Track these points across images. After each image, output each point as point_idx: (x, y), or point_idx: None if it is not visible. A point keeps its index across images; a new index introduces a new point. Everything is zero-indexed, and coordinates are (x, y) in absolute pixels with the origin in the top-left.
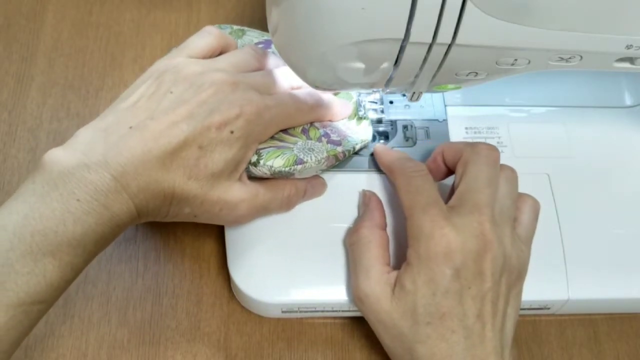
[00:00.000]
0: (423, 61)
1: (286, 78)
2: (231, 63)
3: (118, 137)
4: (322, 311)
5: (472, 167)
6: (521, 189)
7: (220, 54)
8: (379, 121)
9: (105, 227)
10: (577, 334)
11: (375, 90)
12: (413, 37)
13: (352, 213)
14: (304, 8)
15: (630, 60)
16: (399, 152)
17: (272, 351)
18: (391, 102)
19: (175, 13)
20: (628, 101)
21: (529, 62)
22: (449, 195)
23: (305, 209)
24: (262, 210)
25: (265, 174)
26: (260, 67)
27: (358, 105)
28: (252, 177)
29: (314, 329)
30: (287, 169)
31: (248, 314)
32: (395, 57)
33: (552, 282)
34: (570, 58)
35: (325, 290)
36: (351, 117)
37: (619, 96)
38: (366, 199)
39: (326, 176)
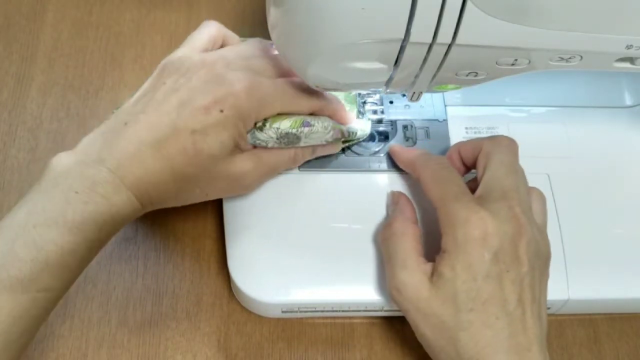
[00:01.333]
0: (423, 61)
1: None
2: (233, 50)
3: (113, 134)
4: (322, 311)
5: (495, 157)
6: None
7: (223, 44)
8: (379, 121)
9: (105, 216)
10: (577, 334)
11: (375, 90)
12: (413, 37)
13: (352, 213)
14: (304, 8)
15: (630, 60)
16: (417, 149)
17: (272, 351)
18: (391, 102)
19: (175, 13)
20: (628, 101)
21: (529, 62)
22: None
23: (305, 209)
24: (270, 173)
25: (272, 137)
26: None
27: (358, 105)
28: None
29: (314, 329)
30: (294, 130)
31: (248, 314)
32: (395, 57)
33: (552, 282)
34: (570, 58)
35: (325, 290)
36: (352, 108)
37: (619, 96)
38: (395, 198)
39: (326, 176)
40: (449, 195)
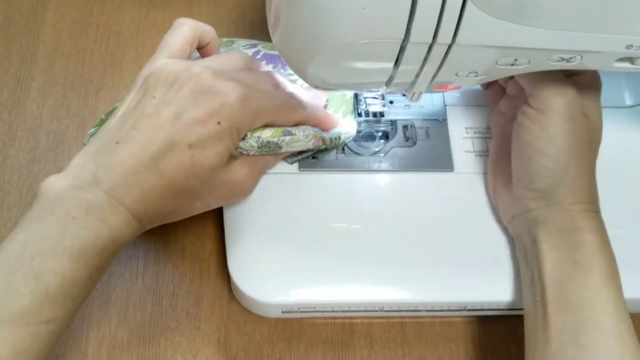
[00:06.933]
0: (423, 61)
1: (273, 79)
2: (216, 61)
3: (106, 154)
4: (322, 311)
5: None
6: None
7: (200, 42)
8: (379, 121)
9: (105, 239)
10: None
11: (375, 90)
12: (413, 37)
13: (351, 213)
14: (304, 8)
15: (630, 60)
16: None
17: (272, 351)
18: (391, 102)
19: (175, 13)
20: (628, 101)
21: (529, 62)
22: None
23: (305, 209)
24: (262, 173)
25: (253, 146)
26: (246, 69)
27: (354, 103)
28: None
29: (314, 329)
30: (275, 139)
31: (248, 314)
32: (395, 57)
33: None
34: (570, 58)
35: (325, 290)
36: (337, 110)
37: (619, 96)
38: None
39: (326, 176)
40: None
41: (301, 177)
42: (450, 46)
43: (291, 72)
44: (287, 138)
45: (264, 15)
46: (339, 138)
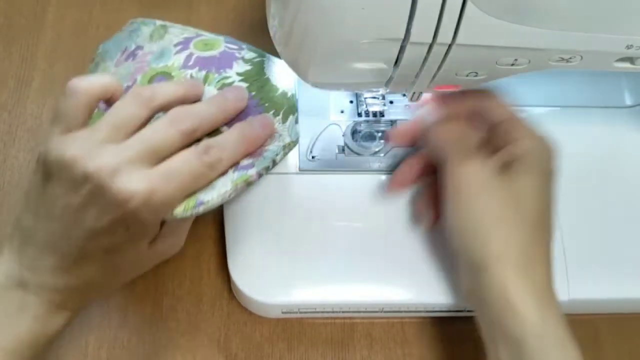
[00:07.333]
0: (423, 61)
1: (178, 123)
2: (113, 128)
3: (29, 257)
4: (322, 311)
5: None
6: None
7: (102, 99)
8: (379, 121)
9: (38, 335)
10: (577, 334)
11: (375, 90)
12: (413, 37)
13: (352, 213)
14: (304, 8)
15: (630, 60)
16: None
17: (272, 351)
18: (391, 102)
19: (175, 13)
20: (628, 101)
21: (529, 62)
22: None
23: (305, 209)
24: (189, 227)
25: (169, 220)
26: (150, 113)
27: (296, 100)
28: None
29: (314, 329)
30: (188, 213)
31: (248, 314)
32: (395, 57)
33: None
34: (570, 58)
35: (325, 290)
36: (277, 112)
37: (619, 96)
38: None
39: (326, 177)
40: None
41: (301, 177)
42: (450, 46)
43: (228, 74)
44: (201, 208)
45: (264, 15)
46: (274, 162)
